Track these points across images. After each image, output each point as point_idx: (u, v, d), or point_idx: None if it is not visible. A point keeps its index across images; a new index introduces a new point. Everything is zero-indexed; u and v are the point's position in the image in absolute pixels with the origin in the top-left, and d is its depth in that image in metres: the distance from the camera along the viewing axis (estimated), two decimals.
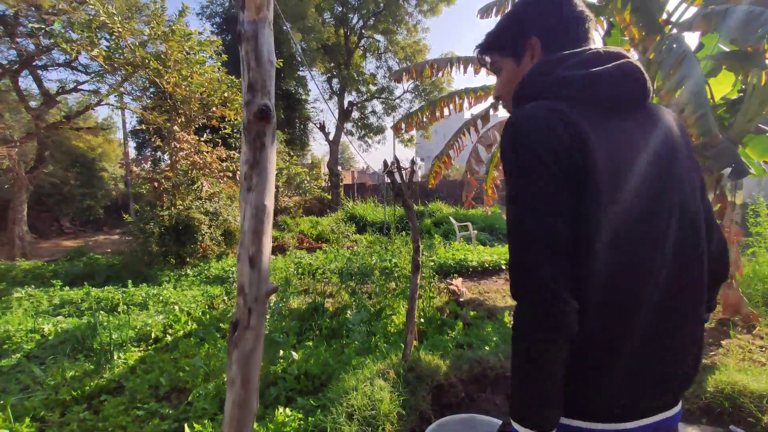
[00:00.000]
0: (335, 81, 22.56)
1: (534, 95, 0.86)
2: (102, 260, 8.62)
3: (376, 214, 13.72)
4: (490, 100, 7.26)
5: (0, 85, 11.84)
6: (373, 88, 23.30)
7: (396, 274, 4.82)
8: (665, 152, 0.85)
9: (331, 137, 21.35)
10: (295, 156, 12.07)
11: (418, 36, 22.52)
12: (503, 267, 7.27)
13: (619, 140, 0.80)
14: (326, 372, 3.47)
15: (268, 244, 0.90)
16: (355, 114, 23.35)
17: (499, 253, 7.76)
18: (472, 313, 4.68)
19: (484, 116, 7.11)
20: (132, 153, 19.23)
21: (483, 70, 7.32)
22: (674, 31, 4.21)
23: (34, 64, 11.94)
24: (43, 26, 9.70)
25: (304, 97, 22.59)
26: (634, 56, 1.25)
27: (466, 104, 7.15)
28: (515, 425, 0.79)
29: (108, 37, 8.65)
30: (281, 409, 2.83)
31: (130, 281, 6.25)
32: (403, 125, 7.72)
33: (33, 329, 4.53)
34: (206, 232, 7.75)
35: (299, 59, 20.96)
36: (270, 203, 0.89)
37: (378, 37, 22.81)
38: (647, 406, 0.82)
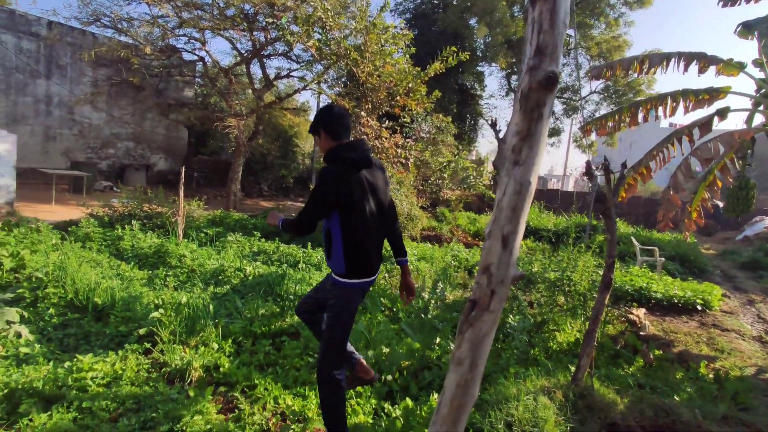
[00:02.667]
0: (514, 77, 21.64)
1: (330, 161, 2.22)
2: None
3: (541, 220, 12.81)
4: (716, 105, 5.99)
5: (238, 70, 14.63)
6: None
7: (568, 289, 4.38)
8: (375, 177, 2.29)
9: (501, 135, 20.66)
10: (465, 150, 12.01)
11: (618, 30, 19.96)
12: (698, 306, 6.01)
13: (361, 177, 2.19)
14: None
15: (523, 225, 0.83)
16: None
17: (693, 290, 6.43)
18: (657, 352, 3.98)
19: (704, 125, 5.89)
20: None
21: (712, 68, 6.06)
22: None
23: (262, 53, 14.40)
24: (274, 20, 11.58)
25: (479, 92, 22.31)
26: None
27: (681, 109, 6.03)
28: (282, 226, 2.33)
29: (320, 30, 9.87)
30: (435, 396, 2.83)
31: (309, 243, 7.12)
32: (593, 128, 6.95)
33: (239, 268, 5.52)
34: None
35: (480, 54, 20.71)
36: (535, 181, 0.81)
37: (569, 31, 20.99)
38: (372, 272, 2.26)
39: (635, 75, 6.72)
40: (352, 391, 2.91)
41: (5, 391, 2.55)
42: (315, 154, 21.46)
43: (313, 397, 2.84)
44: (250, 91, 15.29)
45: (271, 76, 15.21)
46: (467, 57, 8.92)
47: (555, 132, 21.96)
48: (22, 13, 13.06)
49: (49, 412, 2.50)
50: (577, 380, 2.74)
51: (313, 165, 20.93)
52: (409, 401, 2.74)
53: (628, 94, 19.85)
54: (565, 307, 4.36)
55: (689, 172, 5.74)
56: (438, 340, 3.60)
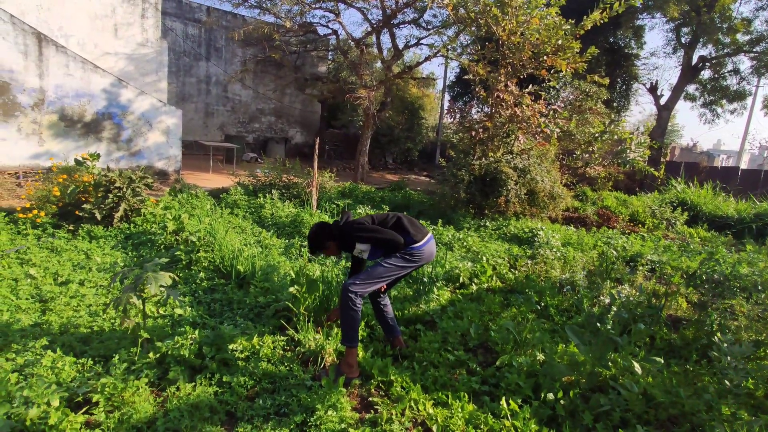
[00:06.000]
0: (685, 30, 17.82)
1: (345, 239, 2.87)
2: (414, 196, 9.73)
3: (717, 204, 10.38)
4: None
5: (368, 41, 14.56)
6: (742, 38, 17.26)
7: None
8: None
9: (663, 101, 17.38)
10: (623, 119, 10.12)
11: None
12: None
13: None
14: (676, 405, 2.54)
15: None
16: (706, 73, 18.08)
17: None
18: None
19: None
20: (446, 106, 21.03)
21: None
22: None
23: (391, 22, 14.05)
24: None
25: (635, 51, 18.95)
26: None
27: None
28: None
29: None
30: None
31: (440, 220, 6.65)
32: None
33: None
34: (512, 188, 7.46)
35: (641, 4, 17.39)
36: None
37: None
38: (423, 237, 2.84)
39: None
40: (506, 409, 2.38)
41: (157, 355, 2.61)
42: (440, 128, 20.83)
43: (458, 408, 2.38)
44: (378, 63, 15.20)
45: (400, 46, 14.84)
46: (639, 1, 7.28)
47: (739, 96, 17.69)
48: (187, 1, 14.68)
49: (194, 383, 2.47)
50: None
51: (439, 138, 20.34)
52: None
53: None
54: None
55: None
56: (612, 354, 2.83)
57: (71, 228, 5.18)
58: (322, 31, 15.43)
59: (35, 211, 5.20)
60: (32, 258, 4.23)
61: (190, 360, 2.62)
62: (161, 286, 2.76)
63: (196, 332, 2.80)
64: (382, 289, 3.05)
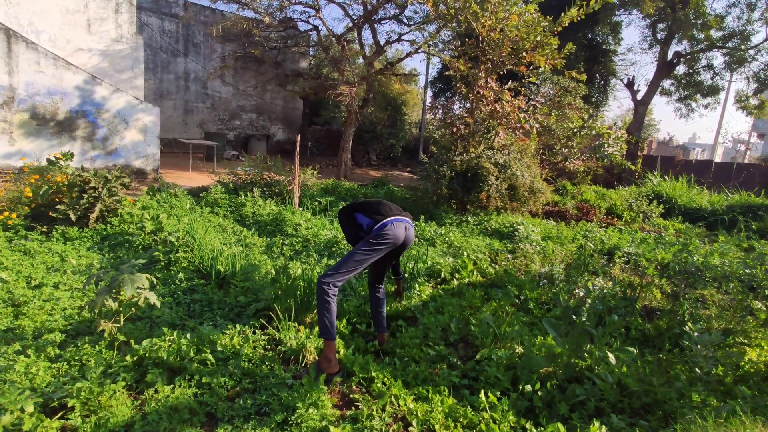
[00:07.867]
0: (660, 26, 18.21)
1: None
2: (397, 192, 9.76)
3: (691, 197, 10.68)
4: None
5: (349, 37, 14.49)
6: (715, 34, 17.73)
7: None
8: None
9: (639, 96, 17.75)
10: (601, 114, 10.32)
11: None
12: None
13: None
14: (649, 394, 2.62)
15: None
16: (680, 69, 18.51)
17: None
18: None
19: None
20: (428, 102, 21.09)
21: None
22: None
23: (372, 18, 14.00)
24: None
25: (612, 47, 19.29)
26: None
27: None
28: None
29: None
30: (596, 424, 2.21)
31: (423, 216, 6.69)
32: None
33: None
34: (493, 183, 7.54)
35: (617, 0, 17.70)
36: None
37: None
38: (395, 216, 2.96)
39: None
40: (485, 402, 2.42)
41: (135, 358, 2.57)
42: (422, 124, 20.90)
43: (438, 402, 2.42)
44: (360, 59, 15.14)
45: (381, 42, 14.81)
46: None
47: (712, 91, 18.17)
48: None
49: (172, 385, 2.45)
50: None
51: (421, 134, 20.41)
52: (560, 427, 2.17)
53: None
54: (762, 317, 3.30)
55: None
56: (588, 345, 2.90)
57: (45, 230, 5.05)
58: (302, 26, 15.30)
59: (6, 213, 5.05)
60: (3, 261, 4.11)
61: (169, 362, 2.59)
62: (138, 287, 2.72)
63: (175, 333, 2.77)
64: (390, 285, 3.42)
